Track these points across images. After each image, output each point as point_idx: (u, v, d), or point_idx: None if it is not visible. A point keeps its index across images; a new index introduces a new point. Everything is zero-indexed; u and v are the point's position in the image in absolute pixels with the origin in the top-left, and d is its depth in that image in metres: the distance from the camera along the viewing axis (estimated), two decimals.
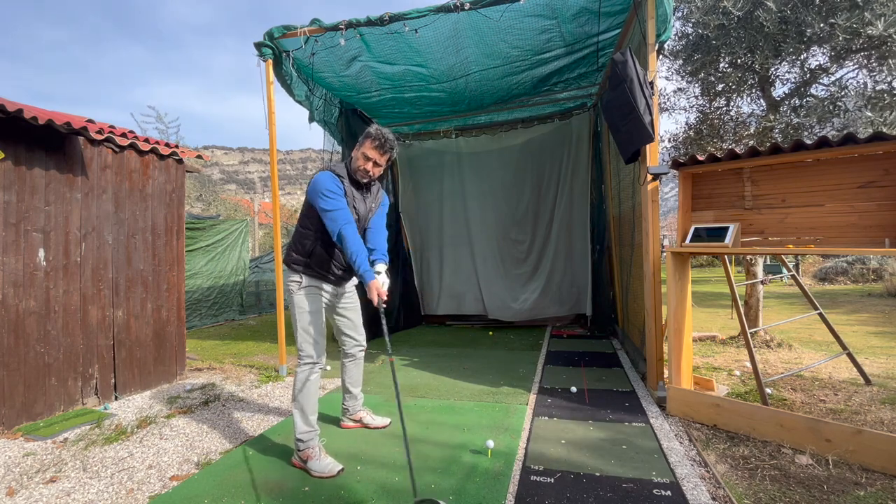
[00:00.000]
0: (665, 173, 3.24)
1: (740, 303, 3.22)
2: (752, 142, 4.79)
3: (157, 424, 3.02)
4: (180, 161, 4.14)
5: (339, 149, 5.34)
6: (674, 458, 2.31)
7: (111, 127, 3.76)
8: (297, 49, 4.10)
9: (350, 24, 3.79)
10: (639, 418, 2.87)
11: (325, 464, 2.28)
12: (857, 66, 4.30)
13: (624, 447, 2.46)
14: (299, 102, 4.75)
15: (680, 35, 4.92)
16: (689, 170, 3.19)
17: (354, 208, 2.47)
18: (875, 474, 2.13)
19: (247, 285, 8.46)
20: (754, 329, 4.35)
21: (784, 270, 6.86)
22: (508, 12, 3.65)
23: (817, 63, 4.44)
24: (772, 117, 4.47)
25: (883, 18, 3.45)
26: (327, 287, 2.54)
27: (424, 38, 3.92)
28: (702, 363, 4.14)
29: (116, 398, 3.59)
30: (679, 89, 5.47)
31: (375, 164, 2.43)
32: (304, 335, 2.43)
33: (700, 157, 3.02)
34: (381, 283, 2.30)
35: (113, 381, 3.59)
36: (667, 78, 5.39)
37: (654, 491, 2.02)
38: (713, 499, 1.97)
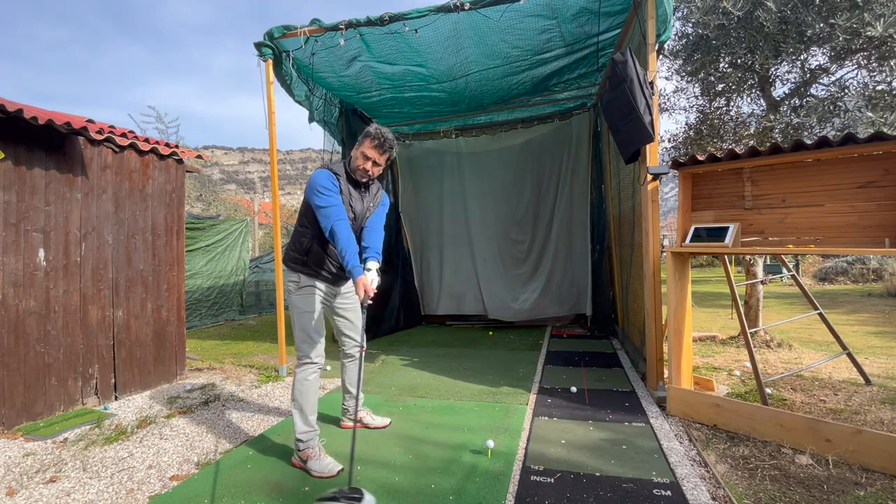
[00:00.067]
0: (665, 173, 3.24)
1: (740, 303, 3.22)
2: (752, 142, 4.80)
3: (157, 424, 3.02)
4: (180, 161, 4.14)
5: (339, 149, 5.35)
6: (674, 458, 2.31)
7: (111, 127, 3.76)
8: (297, 49, 4.10)
9: (350, 24, 3.79)
10: (639, 418, 2.87)
11: (324, 464, 2.28)
12: (856, 66, 4.30)
13: (624, 447, 2.46)
14: (299, 102, 4.75)
15: (680, 35, 4.92)
16: (689, 170, 3.19)
17: (351, 206, 2.46)
18: (875, 474, 2.13)
19: (247, 285, 8.46)
20: (754, 329, 4.35)
21: (784, 270, 6.87)
22: (508, 12, 3.65)
23: (817, 63, 4.44)
24: (772, 117, 4.47)
25: (882, 19, 3.45)
26: (323, 286, 2.52)
27: (424, 38, 3.92)
28: (702, 363, 4.14)
29: (116, 398, 3.59)
30: (679, 89, 5.47)
31: (375, 163, 2.43)
32: (303, 335, 2.43)
33: (700, 157, 3.02)
34: (369, 280, 2.27)
35: (113, 381, 3.59)
36: (667, 78, 5.39)
37: (654, 491, 2.02)
38: (713, 499, 1.97)
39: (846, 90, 4.15)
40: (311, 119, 4.94)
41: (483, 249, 6.64)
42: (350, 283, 2.70)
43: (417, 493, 2.07)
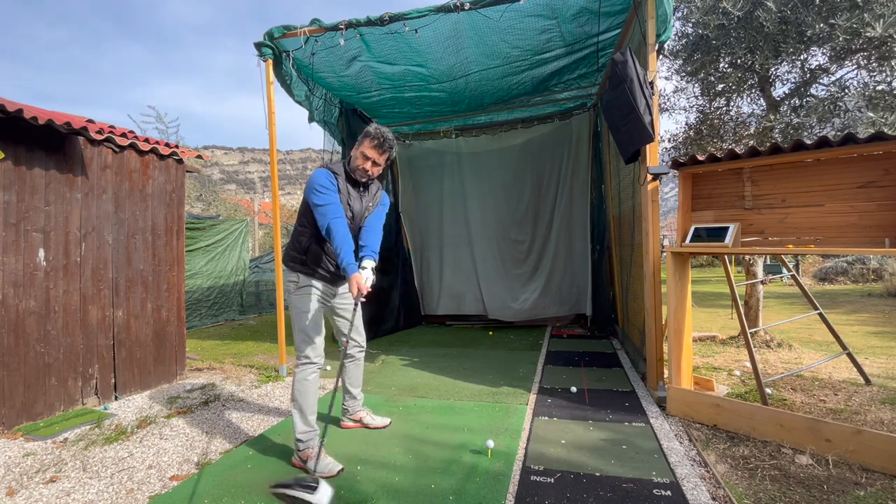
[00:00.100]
0: (665, 173, 3.24)
1: (740, 303, 3.22)
2: (752, 142, 4.79)
3: (157, 424, 3.02)
4: (180, 161, 4.14)
5: (339, 149, 5.35)
6: (674, 458, 2.31)
7: (111, 127, 3.76)
8: (297, 49, 4.10)
9: (350, 24, 3.79)
10: (639, 418, 2.87)
11: (324, 464, 2.28)
12: (856, 66, 4.30)
13: (624, 447, 2.47)
14: (299, 102, 4.75)
15: (680, 35, 4.92)
16: (689, 170, 3.19)
17: (349, 206, 2.46)
18: (875, 474, 2.13)
19: (247, 285, 8.46)
20: (754, 329, 4.35)
21: (784, 270, 6.86)
22: (508, 12, 3.65)
23: (817, 63, 4.44)
24: (772, 117, 4.47)
25: (882, 19, 3.44)
26: (321, 285, 2.52)
27: (424, 38, 3.92)
28: (702, 363, 4.14)
29: (116, 398, 3.59)
30: (679, 89, 5.47)
31: (374, 163, 2.43)
32: (303, 335, 2.43)
33: (700, 157, 3.02)
34: (364, 277, 2.26)
35: (113, 381, 3.59)
36: (667, 78, 5.39)
37: (654, 491, 2.02)
38: (713, 499, 1.97)
39: (846, 90, 4.15)
40: (310, 119, 4.94)
41: (483, 249, 6.64)
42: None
43: (417, 493, 2.07)
